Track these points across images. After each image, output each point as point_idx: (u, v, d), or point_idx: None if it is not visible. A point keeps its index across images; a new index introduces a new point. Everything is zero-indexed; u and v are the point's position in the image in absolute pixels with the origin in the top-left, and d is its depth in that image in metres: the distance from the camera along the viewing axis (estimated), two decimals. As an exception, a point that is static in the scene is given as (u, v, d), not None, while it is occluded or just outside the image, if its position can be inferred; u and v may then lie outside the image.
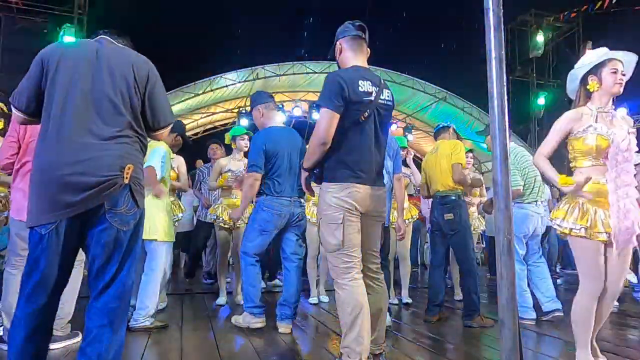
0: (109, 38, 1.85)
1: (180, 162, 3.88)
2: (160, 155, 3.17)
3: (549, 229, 5.38)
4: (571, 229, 2.11)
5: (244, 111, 10.52)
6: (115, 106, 1.67)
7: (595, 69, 2.20)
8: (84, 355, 1.58)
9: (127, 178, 1.64)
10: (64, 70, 1.65)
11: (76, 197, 1.57)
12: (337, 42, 2.24)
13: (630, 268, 5.32)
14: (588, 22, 10.99)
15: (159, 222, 3.16)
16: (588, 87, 2.22)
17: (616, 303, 4.40)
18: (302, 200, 3.29)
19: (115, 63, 1.71)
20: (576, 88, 2.30)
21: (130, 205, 1.67)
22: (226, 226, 4.10)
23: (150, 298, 3.07)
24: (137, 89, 1.72)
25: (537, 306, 3.65)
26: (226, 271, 4.41)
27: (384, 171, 3.09)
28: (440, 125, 3.96)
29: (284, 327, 3.09)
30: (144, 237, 3.03)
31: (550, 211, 3.56)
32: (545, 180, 3.77)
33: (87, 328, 1.62)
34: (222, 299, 4.17)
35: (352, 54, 2.20)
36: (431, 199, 3.84)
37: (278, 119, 3.44)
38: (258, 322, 3.16)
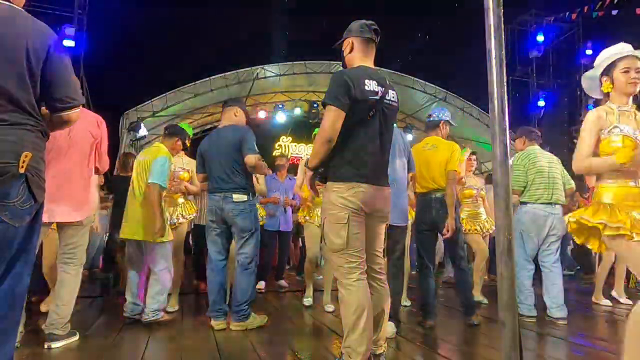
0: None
1: (192, 164, 3.90)
2: (165, 169, 3.29)
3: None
4: (619, 227, 1.86)
5: (244, 111, 10.48)
6: (8, 89, 1.48)
7: (608, 69, 2.12)
8: None
9: (22, 167, 1.47)
10: None
11: None
12: (349, 39, 2.20)
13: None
14: (588, 22, 10.98)
15: (165, 224, 3.32)
16: (602, 88, 2.14)
17: (629, 302, 4.43)
18: (233, 195, 3.19)
19: (3, 34, 1.49)
20: (593, 87, 2.22)
21: (25, 198, 1.48)
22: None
23: (163, 294, 3.33)
24: (32, 65, 1.51)
25: (538, 306, 3.65)
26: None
27: (400, 168, 3.07)
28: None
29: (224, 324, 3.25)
30: (168, 239, 3.29)
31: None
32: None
33: None
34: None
35: (361, 54, 2.19)
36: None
37: (225, 121, 3.46)
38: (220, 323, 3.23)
